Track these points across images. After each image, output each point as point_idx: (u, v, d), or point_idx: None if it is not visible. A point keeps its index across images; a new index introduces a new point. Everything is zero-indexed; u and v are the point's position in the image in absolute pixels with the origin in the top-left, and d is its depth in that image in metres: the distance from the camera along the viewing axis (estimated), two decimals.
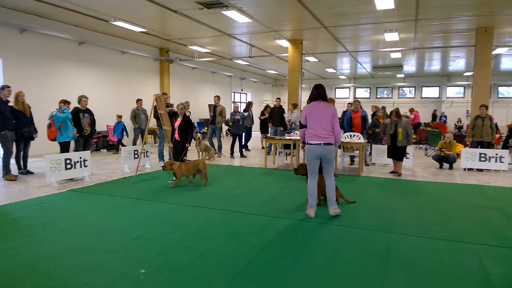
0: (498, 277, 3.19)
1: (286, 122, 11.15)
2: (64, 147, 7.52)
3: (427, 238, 4.16)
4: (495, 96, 21.74)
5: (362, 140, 8.86)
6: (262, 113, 13.02)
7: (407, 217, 5.03)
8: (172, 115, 8.41)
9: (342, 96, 25.46)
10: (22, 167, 7.83)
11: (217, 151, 10.77)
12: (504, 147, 9.91)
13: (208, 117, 11.03)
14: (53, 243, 3.87)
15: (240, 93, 23.06)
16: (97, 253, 3.63)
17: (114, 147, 12.17)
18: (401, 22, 10.58)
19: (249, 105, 12.97)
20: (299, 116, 12.80)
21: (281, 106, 11.94)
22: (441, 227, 4.55)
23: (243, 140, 11.54)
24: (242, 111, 11.74)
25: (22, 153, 7.83)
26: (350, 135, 9.32)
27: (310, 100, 4.95)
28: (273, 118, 11.73)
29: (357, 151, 9.00)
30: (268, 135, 11.50)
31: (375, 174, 8.39)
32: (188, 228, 4.40)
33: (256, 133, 14.89)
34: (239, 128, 10.90)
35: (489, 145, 9.17)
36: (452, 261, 3.53)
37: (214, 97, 10.94)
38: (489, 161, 8.72)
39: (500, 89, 22.18)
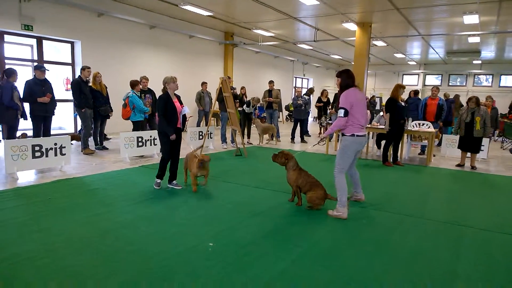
0: None
1: None
2: (137, 126, 8.04)
3: (503, 234, 3.91)
4: None
5: (432, 129, 8.39)
6: (319, 100, 12.79)
7: (481, 211, 4.73)
8: (235, 98, 8.62)
9: (411, 83, 24.06)
10: (99, 143, 8.53)
11: (276, 136, 10.85)
12: None
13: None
14: (129, 213, 4.24)
15: (302, 78, 22.80)
16: (167, 225, 3.91)
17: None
18: (483, 3, 9.66)
19: (310, 90, 12.83)
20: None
21: None
22: None
23: (305, 125, 11.50)
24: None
25: (99, 130, 8.51)
26: (419, 124, 8.86)
27: (347, 86, 4.32)
28: (336, 104, 11.51)
29: (426, 141, 8.54)
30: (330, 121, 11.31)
31: (445, 166, 7.92)
32: (252, 208, 4.56)
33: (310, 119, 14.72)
34: (301, 113, 10.85)
35: None
36: None
37: (269, 82, 11.05)
38: None
39: None
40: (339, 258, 3.23)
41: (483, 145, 8.31)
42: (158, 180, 5.31)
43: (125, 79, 9.61)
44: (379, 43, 15.48)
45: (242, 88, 13.71)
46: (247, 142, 10.23)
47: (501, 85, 22.01)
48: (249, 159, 7.89)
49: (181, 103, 5.23)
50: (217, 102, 8.85)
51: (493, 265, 3.18)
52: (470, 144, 7.58)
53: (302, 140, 10.97)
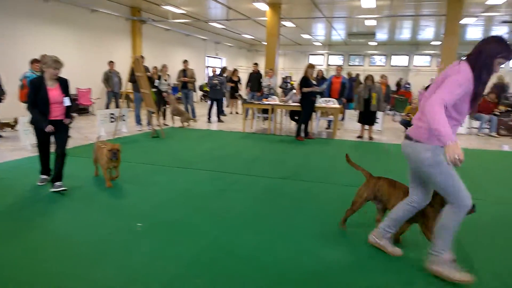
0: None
1: (264, 87, 11.28)
2: None
3: None
4: None
5: (337, 105, 9.23)
6: (230, 80, 13.02)
7: (378, 174, 5.48)
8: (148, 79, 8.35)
9: (317, 63, 25.65)
10: None
11: (192, 116, 10.81)
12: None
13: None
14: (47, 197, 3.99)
15: (215, 57, 22.72)
16: (91, 211, 3.81)
17: (85, 111, 11.95)
18: None
19: (224, 70, 12.96)
20: (277, 82, 13.01)
21: (258, 71, 12.04)
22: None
23: (221, 105, 11.64)
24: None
25: None
26: (326, 101, 9.66)
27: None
28: (251, 83, 11.87)
29: (332, 116, 9.38)
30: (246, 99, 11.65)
31: (348, 138, 8.84)
32: (177, 187, 4.63)
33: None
34: (217, 93, 10.95)
35: None
36: None
37: (183, 61, 10.90)
38: None
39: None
40: (263, 223, 3.53)
41: (378, 118, 9.43)
42: (43, 176, 4.55)
43: (16, 59, 8.57)
44: (288, 24, 16.15)
45: (154, 67, 13.24)
46: (163, 123, 10.04)
47: (392, 64, 24.76)
48: (167, 140, 7.82)
49: (65, 92, 4.24)
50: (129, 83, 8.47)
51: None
52: (367, 118, 8.57)
53: (219, 120, 11.14)
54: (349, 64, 25.55)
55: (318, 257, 2.91)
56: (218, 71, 12.33)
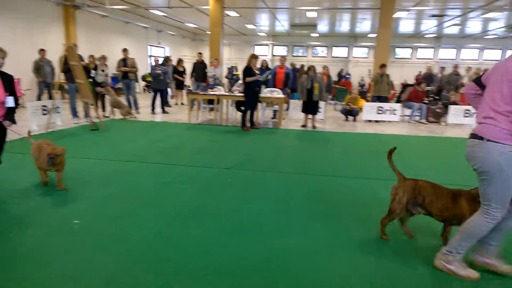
0: (387, 199, 3.97)
1: (209, 77, 11.16)
2: None
3: (335, 177, 4.87)
4: (393, 56, 24.15)
5: (281, 95, 9.41)
6: (175, 70, 12.72)
7: (320, 161, 5.73)
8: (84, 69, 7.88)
9: (261, 53, 25.84)
10: None
11: (134, 108, 10.42)
12: (398, 101, 11.40)
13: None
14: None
15: (158, 46, 21.97)
16: (25, 211, 3.55)
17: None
18: None
19: (167, 59, 12.60)
20: (223, 72, 12.94)
21: (203, 61, 11.87)
22: (347, 168, 5.33)
23: (165, 95, 11.33)
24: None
25: None
26: (271, 91, 9.81)
27: None
28: (196, 73, 11.69)
29: (277, 106, 9.55)
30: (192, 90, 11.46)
31: (293, 127, 9.08)
32: (118, 181, 4.47)
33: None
34: (160, 83, 10.64)
35: (386, 100, 10.51)
36: (356, 192, 4.28)
37: (123, 50, 10.43)
38: (385, 113, 10.05)
39: (397, 50, 24.66)
40: (208, 214, 3.54)
41: (321, 108, 9.79)
42: None
43: None
44: (232, 13, 16.06)
45: (90, 56, 12.51)
46: (103, 115, 9.57)
47: (333, 55, 25.69)
48: (108, 133, 7.47)
49: (9, 90, 3.68)
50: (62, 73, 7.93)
51: (329, 200, 4.01)
52: (310, 107, 8.85)
53: (164, 111, 10.85)
54: (293, 54, 26.09)
55: (266, 245, 2.98)
56: (160, 61, 11.96)
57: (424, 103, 10.58)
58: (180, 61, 12.89)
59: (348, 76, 22.60)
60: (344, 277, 2.55)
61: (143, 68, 18.72)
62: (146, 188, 4.24)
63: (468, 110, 10.03)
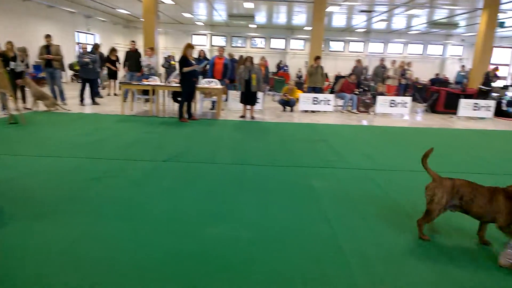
0: (319, 186, 4.18)
1: (143, 67, 10.71)
2: None
3: (271, 166, 4.99)
4: (327, 49, 25.16)
5: (219, 86, 9.35)
6: (108, 59, 12.06)
7: (257, 151, 5.82)
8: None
9: (200, 43, 25.39)
10: None
11: (60, 99, 9.68)
12: (331, 92, 11.93)
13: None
14: None
15: (87, 33, 20.55)
16: None
17: None
18: None
19: (96, 47, 11.85)
20: (158, 61, 12.49)
21: (136, 50, 11.35)
22: (283, 157, 5.48)
23: (96, 85, 10.67)
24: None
25: None
26: (209, 81, 9.70)
27: None
28: (129, 62, 11.14)
29: (216, 97, 9.48)
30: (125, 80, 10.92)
31: (231, 118, 9.09)
32: (42, 179, 4.15)
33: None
34: (89, 72, 9.98)
35: (320, 91, 10.95)
36: (289, 181, 4.41)
37: (45, 36, 9.60)
38: (320, 104, 10.47)
39: (331, 43, 25.72)
40: (138, 208, 3.43)
41: (259, 98, 9.90)
42: None
43: None
44: (167, 1, 15.53)
45: (8, 43, 11.36)
46: (23, 107, 8.78)
47: (271, 47, 26.06)
48: (29, 127, 6.87)
49: None
50: None
51: (266, 187, 4.09)
52: (248, 98, 8.92)
53: (94, 103, 10.23)
54: (232, 45, 26.01)
55: (200, 237, 2.96)
56: (89, 48, 11.22)
57: (355, 94, 11.19)
58: (113, 50, 12.20)
59: (286, 68, 23.09)
60: (270, 263, 2.63)
61: (70, 56, 17.44)
62: (74, 184, 3.99)
63: (393, 100, 10.81)
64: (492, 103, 10.82)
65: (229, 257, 2.66)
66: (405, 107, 10.77)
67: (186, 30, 25.19)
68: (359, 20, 19.95)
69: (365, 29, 23.73)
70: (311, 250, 2.80)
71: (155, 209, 3.44)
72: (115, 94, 12.57)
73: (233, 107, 10.30)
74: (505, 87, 15.71)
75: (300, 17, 19.74)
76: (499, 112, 11.03)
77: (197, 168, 4.80)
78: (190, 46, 8.05)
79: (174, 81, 9.05)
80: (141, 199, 3.65)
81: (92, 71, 10.06)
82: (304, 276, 2.46)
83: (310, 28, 14.78)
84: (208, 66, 10.45)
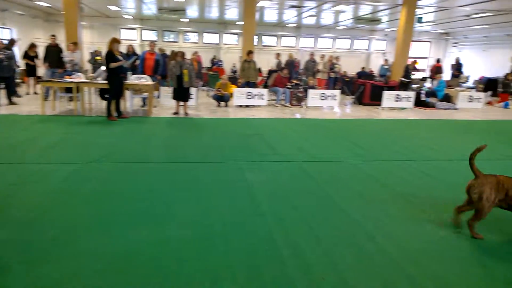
0: (254, 180, 4.26)
1: (66, 63, 9.96)
2: None
3: (206, 163, 4.97)
4: (261, 44, 25.54)
5: (150, 82, 9.04)
6: (26, 55, 11.08)
7: (192, 148, 5.74)
8: None
9: (129, 37, 24.25)
10: None
11: None
12: (265, 87, 12.15)
13: None
14: None
15: (2, 28, 18.56)
16: None
17: None
18: None
19: (12, 42, 10.79)
20: (83, 57, 11.71)
21: (57, 44, 10.53)
22: (218, 153, 5.48)
23: (12, 84, 9.70)
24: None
25: None
26: (139, 77, 9.33)
27: None
28: (50, 58, 10.29)
29: (147, 93, 9.15)
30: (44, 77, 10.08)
31: (164, 114, 8.85)
32: None
33: None
34: (4, 69, 9.05)
35: (254, 85, 11.09)
36: (224, 176, 4.43)
37: None
38: (254, 98, 10.61)
39: (264, 38, 26.13)
40: (60, 213, 3.22)
41: (192, 94, 9.75)
42: None
43: None
44: None
45: None
46: None
47: (205, 42, 25.75)
48: None
49: None
50: None
51: (200, 184, 4.06)
52: (181, 94, 8.74)
53: (10, 102, 9.30)
54: (164, 40, 25.25)
55: (127, 239, 2.86)
56: (5, 44, 10.17)
57: (288, 88, 11.51)
58: (32, 45, 11.19)
59: (220, 63, 23.00)
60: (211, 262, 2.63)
61: None
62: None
63: (323, 93, 11.31)
64: (412, 94, 11.79)
65: (160, 258, 2.60)
66: (335, 99, 11.32)
67: (114, 24, 23.91)
68: (290, 15, 20.49)
69: (296, 24, 24.46)
70: (244, 245, 2.84)
71: (78, 213, 3.25)
72: (35, 93, 11.56)
73: (166, 103, 10.03)
74: (424, 79, 17.24)
75: (232, 12, 19.74)
76: (419, 102, 12.05)
77: (127, 168, 4.62)
78: (115, 41, 7.67)
79: (100, 78, 8.56)
80: (63, 204, 3.42)
81: (7, 68, 9.16)
82: (234, 272, 2.50)
83: (242, 23, 14.87)
84: (138, 62, 10.04)
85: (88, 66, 12.90)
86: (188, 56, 10.43)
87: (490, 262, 2.73)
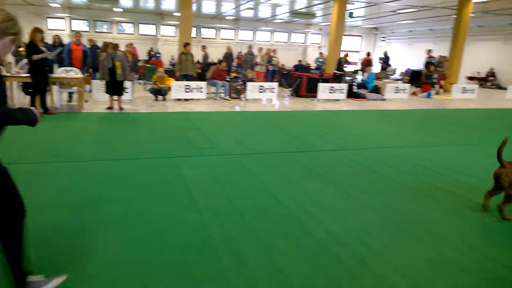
0: (190, 176, 4.21)
1: None
2: None
3: (141, 159, 4.81)
4: (199, 36, 25.15)
5: (79, 75, 8.49)
6: None
7: (126, 145, 5.52)
8: None
9: (58, 27, 22.50)
10: None
11: None
12: (203, 79, 12.01)
13: None
14: None
15: None
16: None
17: None
18: None
19: None
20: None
21: None
22: (153, 149, 5.33)
23: None
24: None
25: None
26: (67, 70, 8.71)
27: None
28: None
29: (76, 87, 8.58)
30: None
31: (97, 110, 8.38)
32: None
33: None
34: None
35: (192, 78, 10.91)
36: (160, 172, 4.32)
37: None
38: (193, 91, 10.45)
39: (203, 30, 25.76)
40: None
41: (127, 88, 9.34)
42: None
43: None
44: None
45: None
46: None
47: (141, 33, 24.73)
48: None
49: None
50: None
51: (134, 182, 3.92)
52: (114, 88, 8.32)
53: None
54: (96, 30, 23.83)
55: (52, 244, 2.69)
56: None
57: (227, 80, 11.49)
58: None
59: (158, 55, 22.28)
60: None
61: None
62: None
63: (262, 86, 11.45)
64: (345, 86, 12.37)
65: (92, 261, 2.48)
66: (273, 92, 11.53)
67: (40, 13, 22.03)
68: (228, 7, 20.39)
69: (234, 17, 24.42)
70: (178, 242, 2.80)
71: None
72: None
73: (99, 98, 9.50)
74: (356, 72, 18.18)
75: (169, 2, 19.16)
76: (351, 94, 12.70)
77: (49, 169, 4.30)
78: (38, 30, 7.09)
79: (23, 72, 7.86)
80: None
81: None
82: (169, 269, 2.46)
83: (179, 14, 14.50)
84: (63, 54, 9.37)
85: (11, 59, 11.75)
86: (122, 48, 9.95)
87: None
